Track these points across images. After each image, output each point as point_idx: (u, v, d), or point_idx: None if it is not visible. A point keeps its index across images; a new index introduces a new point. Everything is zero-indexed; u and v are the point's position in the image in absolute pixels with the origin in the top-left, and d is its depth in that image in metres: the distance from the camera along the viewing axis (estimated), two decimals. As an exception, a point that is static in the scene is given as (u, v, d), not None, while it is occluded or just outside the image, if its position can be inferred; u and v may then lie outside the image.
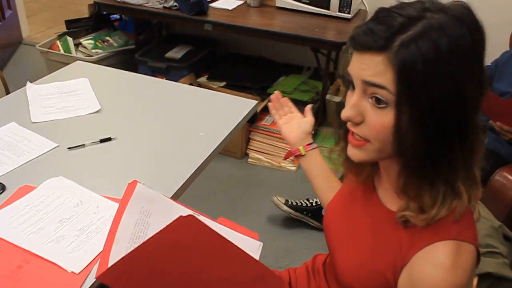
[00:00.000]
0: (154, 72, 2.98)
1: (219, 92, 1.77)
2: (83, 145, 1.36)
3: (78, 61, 1.95)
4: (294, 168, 2.75)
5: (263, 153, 2.80)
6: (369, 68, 0.73)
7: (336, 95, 2.96)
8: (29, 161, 1.30)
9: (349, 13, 2.74)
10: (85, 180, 1.21)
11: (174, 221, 0.73)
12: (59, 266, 0.97)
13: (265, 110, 2.85)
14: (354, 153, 0.83)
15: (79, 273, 0.96)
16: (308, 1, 2.81)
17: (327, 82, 2.92)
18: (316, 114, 2.87)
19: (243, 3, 3.00)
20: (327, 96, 2.94)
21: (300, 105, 1.33)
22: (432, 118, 0.72)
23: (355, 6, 2.74)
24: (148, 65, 3.02)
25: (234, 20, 2.75)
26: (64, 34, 3.20)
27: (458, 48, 0.70)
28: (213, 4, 2.90)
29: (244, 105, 1.67)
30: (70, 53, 3.06)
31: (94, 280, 0.94)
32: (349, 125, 0.81)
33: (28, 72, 3.36)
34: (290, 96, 2.92)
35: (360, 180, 0.95)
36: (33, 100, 1.59)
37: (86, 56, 3.01)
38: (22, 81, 1.87)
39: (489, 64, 2.20)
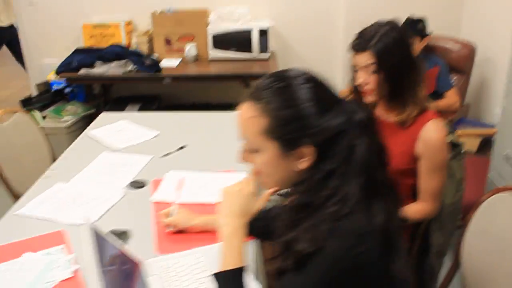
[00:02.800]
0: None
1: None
2: (169, 153, 1.99)
3: (104, 113, 2.53)
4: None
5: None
6: (361, 59, 1.59)
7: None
8: (142, 169, 1.88)
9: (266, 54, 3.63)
10: (187, 168, 1.84)
11: None
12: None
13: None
14: (368, 99, 1.63)
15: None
16: (235, 49, 3.63)
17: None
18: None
19: (181, 60, 3.70)
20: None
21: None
22: (396, 71, 1.58)
23: (269, 49, 3.64)
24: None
25: (184, 71, 3.47)
26: (28, 110, 3.61)
27: (401, 40, 1.59)
28: (160, 64, 3.56)
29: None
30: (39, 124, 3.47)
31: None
32: (362, 85, 1.62)
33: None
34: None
35: None
36: (102, 138, 2.15)
37: (60, 123, 3.46)
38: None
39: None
